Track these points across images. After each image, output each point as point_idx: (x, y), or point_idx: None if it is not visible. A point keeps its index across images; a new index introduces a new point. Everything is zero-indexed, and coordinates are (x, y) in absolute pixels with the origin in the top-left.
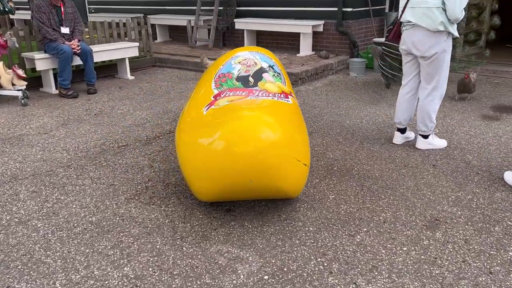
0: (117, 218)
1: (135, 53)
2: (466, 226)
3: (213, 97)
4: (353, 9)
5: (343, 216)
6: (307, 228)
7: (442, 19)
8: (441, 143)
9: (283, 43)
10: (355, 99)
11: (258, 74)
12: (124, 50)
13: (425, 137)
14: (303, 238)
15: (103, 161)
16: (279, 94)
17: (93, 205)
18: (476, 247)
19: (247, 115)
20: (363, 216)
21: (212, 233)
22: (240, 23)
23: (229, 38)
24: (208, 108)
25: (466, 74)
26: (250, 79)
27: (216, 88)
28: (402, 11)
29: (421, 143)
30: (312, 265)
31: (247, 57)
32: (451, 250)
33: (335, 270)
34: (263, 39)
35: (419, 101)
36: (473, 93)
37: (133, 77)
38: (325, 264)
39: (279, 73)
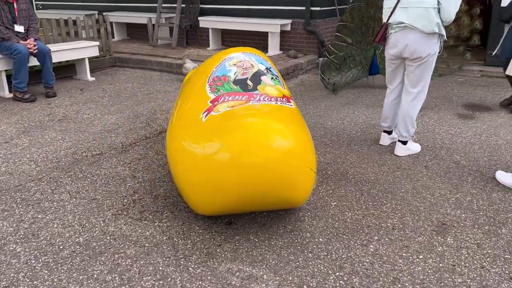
0: (108, 237)
1: (95, 52)
2: (474, 230)
3: (210, 102)
4: (321, 9)
5: (350, 224)
6: (316, 239)
7: (438, 20)
8: (417, 147)
9: (249, 43)
10: (330, 99)
11: (256, 77)
12: (83, 49)
13: (404, 143)
14: (316, 251)
15: (78, 172)
16: (281, 98)
17: (78, 224)
18: (489, 251)
19: (255, 122)
20: (370, 223)
21: (218, 250)
22: (205, 22)
23: (192, 37)
24: (207, 115)
25: None
26: (249, 82)
27: (212, 93)
28: (392, 12)
29: (401, 150)
30: (332, 281)
31: (242, 59)
32: (466, 256)
33: (357, 285)
34: (229, 38)
35: (402, 105)
36: None
37: (93, 78)
38: (345, 279)
39: (276, 76)
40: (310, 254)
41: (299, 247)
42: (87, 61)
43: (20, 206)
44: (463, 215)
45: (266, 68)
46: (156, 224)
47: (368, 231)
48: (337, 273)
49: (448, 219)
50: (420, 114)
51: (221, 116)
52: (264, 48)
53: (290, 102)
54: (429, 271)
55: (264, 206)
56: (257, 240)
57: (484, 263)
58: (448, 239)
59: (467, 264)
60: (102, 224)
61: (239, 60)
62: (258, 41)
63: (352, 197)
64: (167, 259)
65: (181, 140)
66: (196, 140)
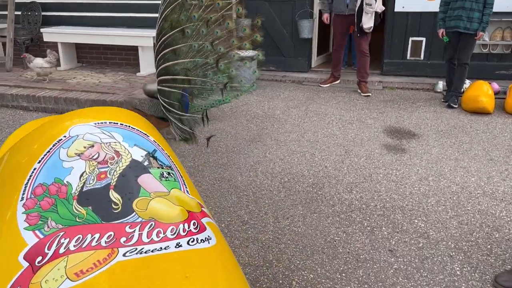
0: None
1: None
2: None
3: (24, 257)
4: None
5: None
6: None
7: None
8: None
9: (114, 59)
10: (233, 136)
11: (130, 181)
12: None
13: None
14: None
15: None
16: (187, 226)
17: None
18: None
19: None
20: None
21: None
22: (51, 34)
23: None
24: None
25: None
26: (113, 195)
27: (31, 228)
28: None
29: None
30: None
31: (94, 140)
32: None
33: None
34: (87, 54)
35: None
36: None
37: None
38: None
39: (169, 166)
40: None
41: None
42: None
43: None
44: None
45: (148, 154)
46: None
47: None
48: None
49: None
50: (345, 151)
51: None
52: (134, 64)
53: (205, 229)
54: None
55: None
56: None
57: None
58: None
59: None
60: None
61: (89, 144)
62: (126, 56)
63: None
64: None
65: None
66: None
